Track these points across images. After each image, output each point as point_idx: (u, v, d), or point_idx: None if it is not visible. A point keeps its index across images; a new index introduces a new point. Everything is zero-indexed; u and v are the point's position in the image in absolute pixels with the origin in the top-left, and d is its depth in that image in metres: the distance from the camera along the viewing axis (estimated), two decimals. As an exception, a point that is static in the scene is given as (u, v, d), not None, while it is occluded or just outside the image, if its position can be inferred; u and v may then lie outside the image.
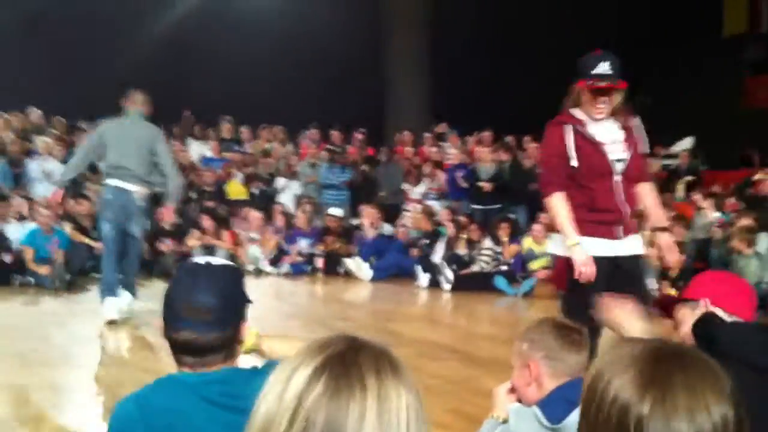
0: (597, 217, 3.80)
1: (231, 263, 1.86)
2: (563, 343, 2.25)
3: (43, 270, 9.06)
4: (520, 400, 2.32)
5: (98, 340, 6.42)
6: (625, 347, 1.25)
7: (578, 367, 2.24)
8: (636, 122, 3.92)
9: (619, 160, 3.81)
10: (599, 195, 3.80)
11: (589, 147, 3.80)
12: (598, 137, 3.81)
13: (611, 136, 3.85)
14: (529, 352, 2.27)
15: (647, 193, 4.01)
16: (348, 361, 1.07)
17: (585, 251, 3.71)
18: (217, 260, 1.84)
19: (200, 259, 1.83)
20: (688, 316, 2.43)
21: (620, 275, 3.76)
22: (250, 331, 1.92)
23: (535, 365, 2.25)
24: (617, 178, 3.82)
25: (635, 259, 3.90)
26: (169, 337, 1.76)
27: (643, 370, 1.18)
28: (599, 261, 3.72)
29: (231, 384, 1.69)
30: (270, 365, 1.72)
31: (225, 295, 1.75)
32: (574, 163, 3.78)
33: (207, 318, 1.70)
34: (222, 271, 1.78)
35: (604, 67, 3.73)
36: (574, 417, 1.98)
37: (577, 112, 3.88)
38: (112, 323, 6.77)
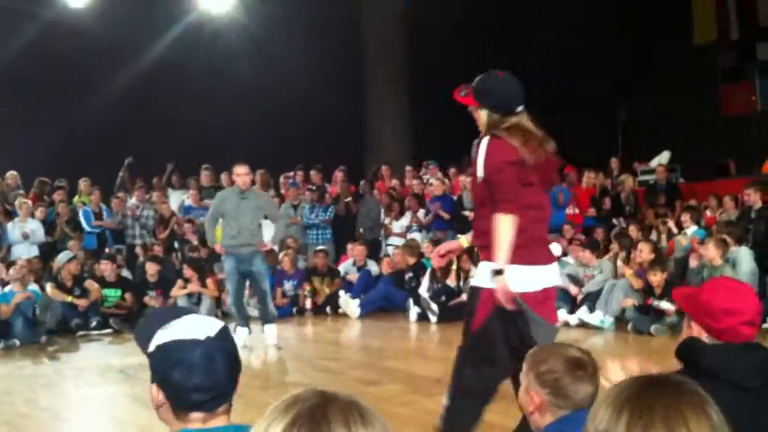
0: None
1: (219, 337, 1.77)
2: (572, 379, 2.17)
3: (4, 308, 8.97)
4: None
5: (89, 399, 6.32)
6: (612, 386, 1.29)
7: (583, 401, 2.16)
8: (483, 142, 3.38)
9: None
10: None
11: None
12: None
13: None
14: (535, 385, 2.22)
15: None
16: (317, 417, 1.09)
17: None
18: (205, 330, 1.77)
19: (192, 343, 1.72)
20: (684, 329, 2.38)
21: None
22: None
23: (538, 397, 2.20)
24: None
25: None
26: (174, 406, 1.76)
27: (618, 396, 1.21)
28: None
29: None
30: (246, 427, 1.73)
31: (226, 370, 1.74)
32: None
33: (213, 396, 1.73)
34: (218, 353, 1.74)
35: None
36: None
37: None
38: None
